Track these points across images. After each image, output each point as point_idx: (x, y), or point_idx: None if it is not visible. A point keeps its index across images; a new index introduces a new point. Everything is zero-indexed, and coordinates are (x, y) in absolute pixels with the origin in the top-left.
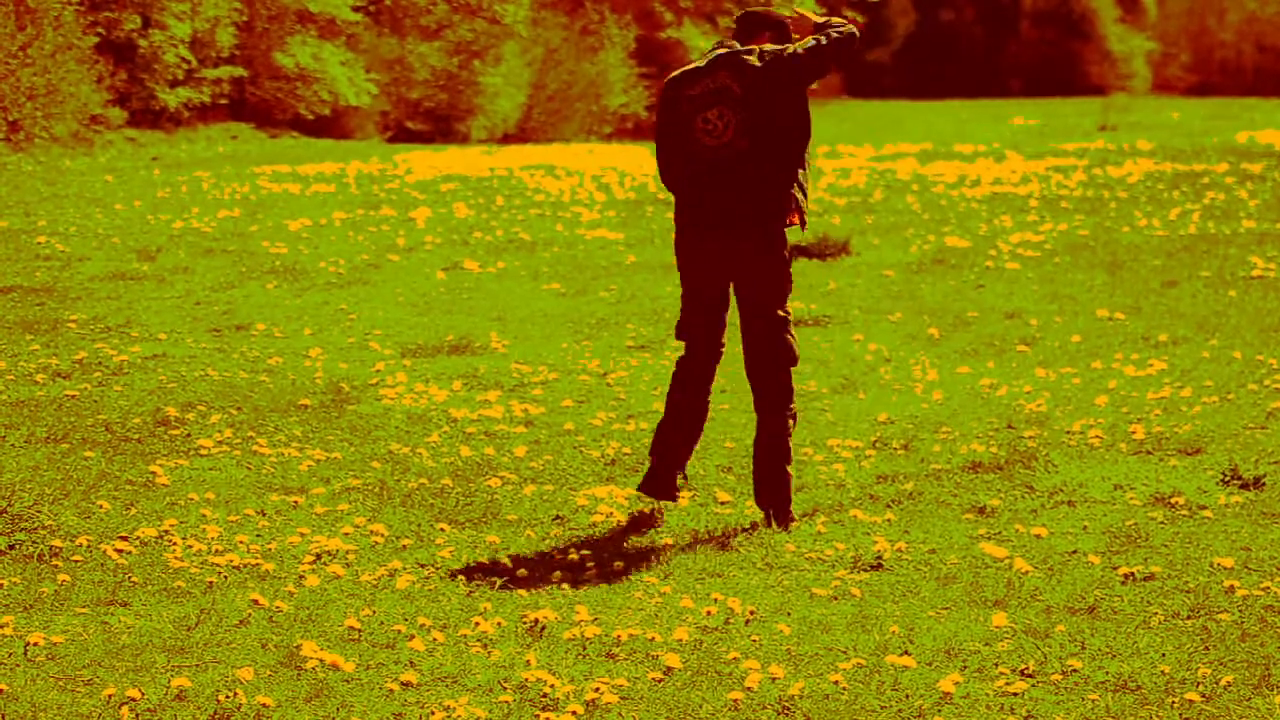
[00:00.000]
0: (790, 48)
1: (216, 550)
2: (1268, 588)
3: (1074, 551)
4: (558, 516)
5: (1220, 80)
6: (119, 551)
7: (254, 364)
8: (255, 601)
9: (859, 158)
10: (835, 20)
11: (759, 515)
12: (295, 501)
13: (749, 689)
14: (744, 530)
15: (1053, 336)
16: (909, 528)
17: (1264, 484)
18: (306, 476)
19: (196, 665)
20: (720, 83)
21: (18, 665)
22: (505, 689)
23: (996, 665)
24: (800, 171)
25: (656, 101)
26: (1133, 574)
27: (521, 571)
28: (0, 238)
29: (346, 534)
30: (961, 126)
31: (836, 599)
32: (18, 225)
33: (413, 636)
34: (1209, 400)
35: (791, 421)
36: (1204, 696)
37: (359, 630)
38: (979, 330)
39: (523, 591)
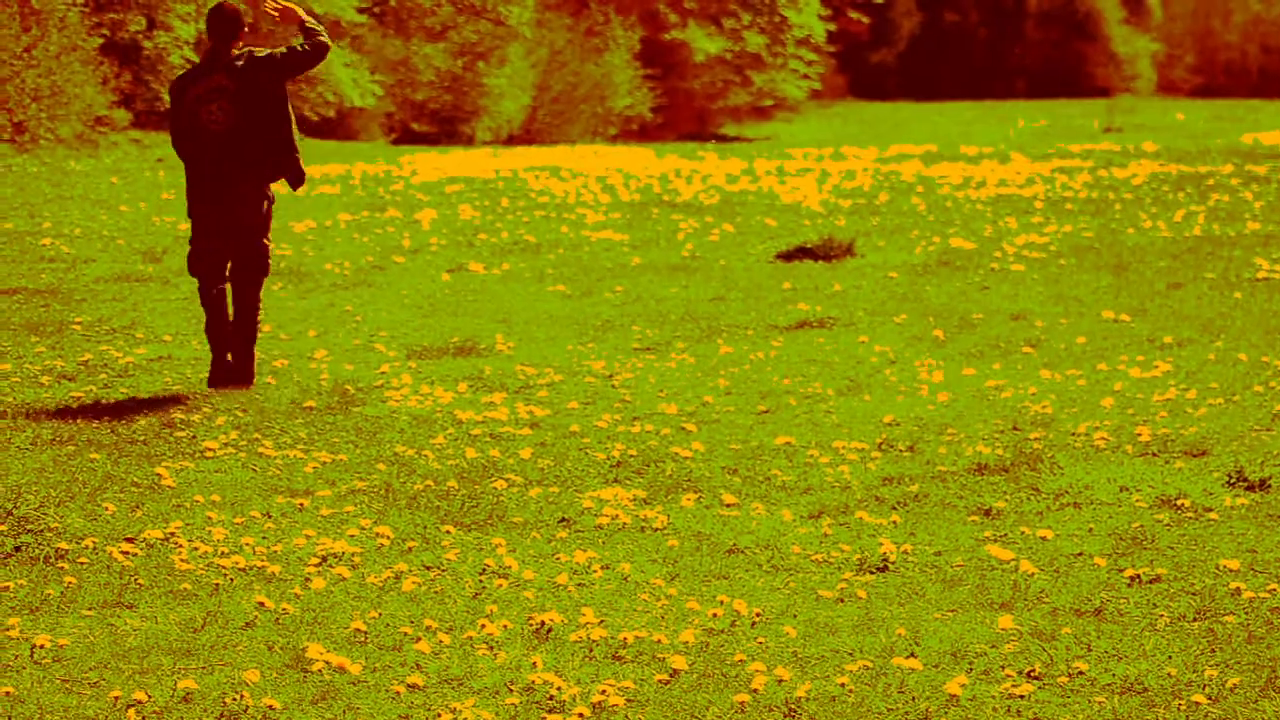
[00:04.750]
0: (273, 50)
1: (222, 552)
2: (1274, 590)
3: (1080, 554)
4: (564, 519)
5: (1225, 82)
6: (125, 554)
7: (259, 365)
8: (261, 604)
9: (864, 159)
10: (317, 29)
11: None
12: (301, 504)
13: (755, 691)
14: (749, 532)
15: (1058, 338)
16: (915, 530)
17: (1270, 486)
18: (312, 478)
19: (203, 667)
20: (218, 83)
21: (24, 668)
22: (512, 691)
23: (1003, 667)
24: (291, 139)
25: (169, 95)
26: (1138, 576)
27: (528, 574)
28: (5, 239)
29: (352, 536)
30: (966, 128)
31: (842, 601)
32: (23, 227)
33: (419, 639)
34: (1214, 402)
35: (258, 313)
36: (1210, 699)
37: (365, 632)
38: (984, 332)
39: (529, 594)
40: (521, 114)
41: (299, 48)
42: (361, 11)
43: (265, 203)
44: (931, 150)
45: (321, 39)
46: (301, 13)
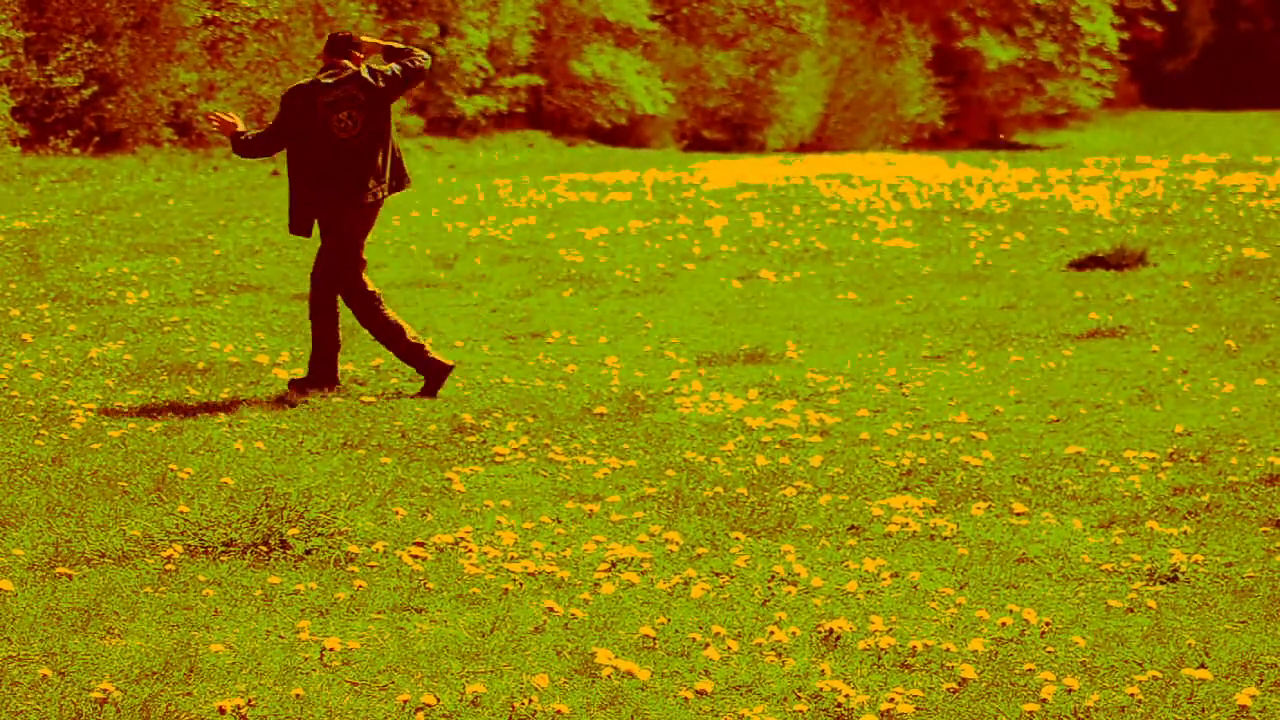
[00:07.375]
0: (387, 68)
1: (512, 557)
2: None
3: None
4: (853, 526)
5: None
6: (414, 557)
7: (549, 371)
8: (550, 609)
9: (1156, 168)
10: (416, 52)
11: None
12: (590, 509)
13: (1044, 701)
14: (1039, 541)
15: None
16: (1205, 540)
17: None
18: (602, 484)
19: (491, 672)
20: (350, 92)
21: (313, 670)
22: (800, 698)
23: None
24: (398, 150)
25: (284, 104)
26: None
27: (816, 581)
28: (303, 246)
29: (642, 542)
30: (1261, 137)
31: (1132, 611)
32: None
33: (707, 645)
34: None
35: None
36: None
37: (654, 638)
38: (1277, 342)
39: (817, 601)
40: (813, 121)
41: (397, 72)
42: (653, 19)
43: (374, 205)
44: (1225, 159)
45: (424, 61)
46: (396, 45)
